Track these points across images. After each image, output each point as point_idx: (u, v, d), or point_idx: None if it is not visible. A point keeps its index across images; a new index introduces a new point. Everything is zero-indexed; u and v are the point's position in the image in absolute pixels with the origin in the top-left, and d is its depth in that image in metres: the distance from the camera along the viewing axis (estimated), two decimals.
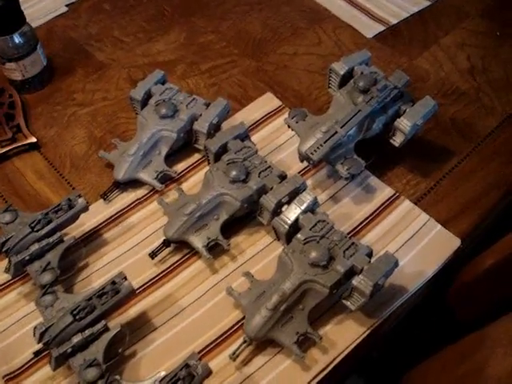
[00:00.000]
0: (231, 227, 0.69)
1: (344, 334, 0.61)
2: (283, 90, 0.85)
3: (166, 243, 0.66)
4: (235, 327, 0.62)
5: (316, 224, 0.62)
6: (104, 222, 0.71)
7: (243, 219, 0.69)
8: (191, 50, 0.92)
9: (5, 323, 0.63)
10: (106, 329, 0.58)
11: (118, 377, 0.57)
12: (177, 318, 0.63)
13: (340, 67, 0.73)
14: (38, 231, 0.63)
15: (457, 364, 0.64)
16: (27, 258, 0.62)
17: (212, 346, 0.61)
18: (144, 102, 0.75)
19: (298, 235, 0.61)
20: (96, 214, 0.71)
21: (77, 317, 0.57)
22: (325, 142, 0.67)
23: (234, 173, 0.66)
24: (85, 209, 0.66)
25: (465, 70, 0.87)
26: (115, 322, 0.60)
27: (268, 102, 0.83)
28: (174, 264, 0.67)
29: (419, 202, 0.72)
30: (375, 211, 0.71)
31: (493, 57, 0.89)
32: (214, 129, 0.73)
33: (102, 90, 0.86)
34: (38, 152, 0.78)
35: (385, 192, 0.72)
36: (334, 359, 0.60)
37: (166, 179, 0.73)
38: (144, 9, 0.98)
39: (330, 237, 0.61)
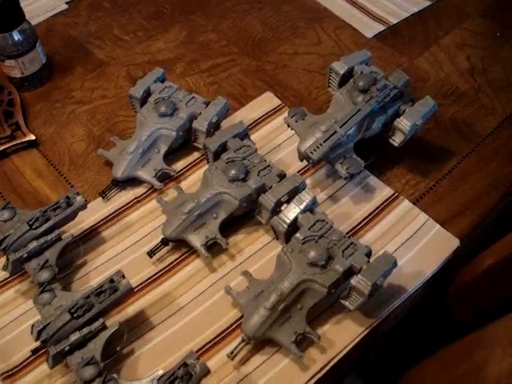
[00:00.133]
0: (230, 226, 0.69)
1: (342, 334, 0.61)
2: (283, 89, 0.85)
3: (165, 242, 0.66)
4: (233, 326, 0.62)
5: (315, 223, 0.61)
6: (102, 220, 0.70)
7: (242, 218, 0.69)
8: (191, 48, 0.91)
9: (2, 321, 0.63)
10: (103, 327, 0.57)
11: (115, 375, 0.56)
12: (175, 316, 0.63)
13: (340, 67, 0.73)
14: (36, 229, 0.63)
15: (456, 364, 0.64)
16: (25, 255, 0.62)
17: (210, 344, 0.61)
18: (143, 100, 0.75)
19: (297, 234, 0.61)
20: (94, 212, 0.71)
21: (75, 315, 0.56)
22: (324, 142, 0.67)
23: (233, 172, 0.66)
24: (83, 207, 0.66)
25: (465, 71, 0.87)
26: (113, 321, 0.60)
27: (267, 101, 0.83)
28: (172, 263, 0.67)
29: (418, 202, 0.72)
30: (374, 211, 0.71)
31: (493, 57, 0.89)
32: (214, 127, 0.73)
33: (101, 87, 0.86)
34: (37, 150, 0.78)
35: (384, 192, 0.72)
36: (333, 359, 0.60)
37: (165, 178, 0.73)
38: (144, 7, 0.98)
39: (329, 236, 0.61)
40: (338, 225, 0.67)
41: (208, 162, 0.72)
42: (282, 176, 0.67)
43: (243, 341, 0.59)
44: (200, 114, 0.73)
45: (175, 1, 0.99)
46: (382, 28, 0.94)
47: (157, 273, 0.66)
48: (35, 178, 0.75)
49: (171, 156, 0.75)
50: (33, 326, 0.56)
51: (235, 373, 0.59)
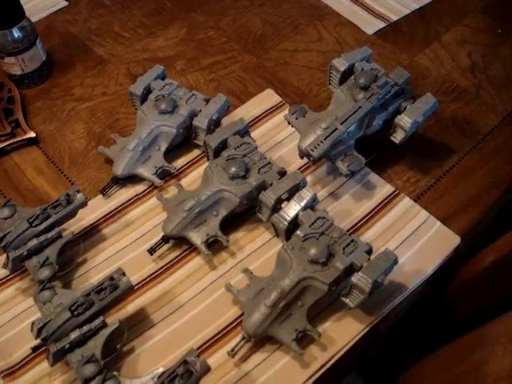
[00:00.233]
0: (230, 223, 0.68)
1: (343, 332, 0.61)
2: (283, 86, 0.85)
3: (165, 239, 0.66)
4: (234, 324, 0.62)
5: (315, 221, 0.61)
6: (103, 217, 0.70)
7: (242, 215, 0.69)
8: (191, 45, 0.91)
9: (3, 318, 0.63)
10: (104, 325, 0.57)
11: (115, 373, 0.56)
12: (175, 314, 0.63)
13: (340, 64, 0.73)
14: (36, 226, 0.63)
15: (456, 362, 0.64)
16: (25, 253, 0.62)
17: (210, 342, 0.61)
18: (143, 98, 0.75)
19: (298, 232, 0.61)
20: (95, 209, 0.71)
21: (75, 312, 0.56)
22: (325, 139, 0.67)
23: (233, 169, 0.66)
24: (83, 204, 0.66)
25: (466, 68, 0.87)
26: (113, 318, 0.60)
27: (268, 98, 0.83)
28: (172, 260, 0.67)
29: (419, 200, 0.72)
30: (375, 208, 0.71)
31: (494, 54, 0.89)
32: (214, 125, 0.73)
33: (101, 85, 0.86)
34: (37, 147, 0.78)
35: (385, 189, 0.72)
36: (333, 356, 0.60)
37: (166, 175, 0.73)
38: (144, 4, 0.98)
39: (330, 234, 0.61)
40: (339, 222, 0.67)
41: (208, 160, 0.72)
42: (282, 173, 0.67)
43: (244, 338, 0.59)
44: (200, 111, 0.73)
45: None
46: (382, 25, 0.94)
47: (157, 270, 0.66)
48: (35, 175, 0.75)
49: (171, 153, 0.75)
50: (33, 323, 0.56)
51: (236, 370, 0.59)
